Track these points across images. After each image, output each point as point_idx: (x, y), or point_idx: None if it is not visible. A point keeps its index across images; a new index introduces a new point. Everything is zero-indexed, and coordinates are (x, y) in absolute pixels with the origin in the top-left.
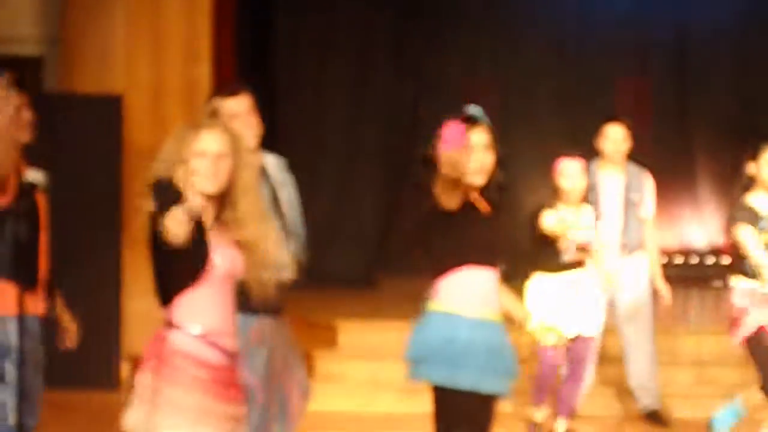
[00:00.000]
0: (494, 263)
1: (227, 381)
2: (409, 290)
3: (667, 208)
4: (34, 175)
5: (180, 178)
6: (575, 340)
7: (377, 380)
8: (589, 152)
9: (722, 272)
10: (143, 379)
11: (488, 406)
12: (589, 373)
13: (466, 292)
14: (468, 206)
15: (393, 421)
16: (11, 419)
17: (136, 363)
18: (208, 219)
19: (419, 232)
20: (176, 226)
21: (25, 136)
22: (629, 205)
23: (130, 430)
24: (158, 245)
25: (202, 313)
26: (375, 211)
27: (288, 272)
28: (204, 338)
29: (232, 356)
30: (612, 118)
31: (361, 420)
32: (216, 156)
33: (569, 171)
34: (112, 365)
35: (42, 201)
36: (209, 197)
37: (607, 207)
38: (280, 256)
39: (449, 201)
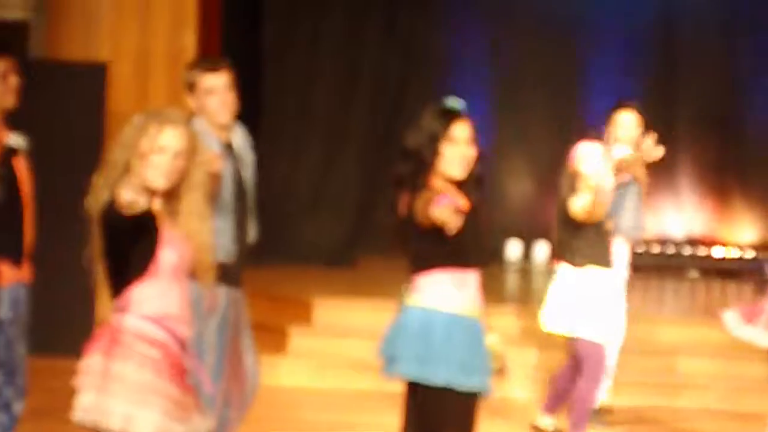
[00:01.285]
0: (475, 262)
1: (179, 366)
2: (386, 270)
3: (646, 197)
4: (15, 140)
5: (134, 166)
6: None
7: (350, 358)
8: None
9: (698, 262)
10: (92, 362)
11: (468, 405)
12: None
13: (445, 290)
14: None
15: (365, 399)
16: None
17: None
18: (157, 208)
19: (398, 230)
20: (127, 195)
21: (11, 101)
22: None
23: (80, 417)
24: (110, 236)
25: (153, 300)
26: (357, 189)
27: (225, 254)
28: (155, 320)
29: (183, 344)
30: (622, 104)
31: (332, 397)
32: (175, 153)
33: (590, 155)
34: (87, 331)
35: (23, 166)
36: (157, 191)
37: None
38: (213, 251)
39: (424, 218)
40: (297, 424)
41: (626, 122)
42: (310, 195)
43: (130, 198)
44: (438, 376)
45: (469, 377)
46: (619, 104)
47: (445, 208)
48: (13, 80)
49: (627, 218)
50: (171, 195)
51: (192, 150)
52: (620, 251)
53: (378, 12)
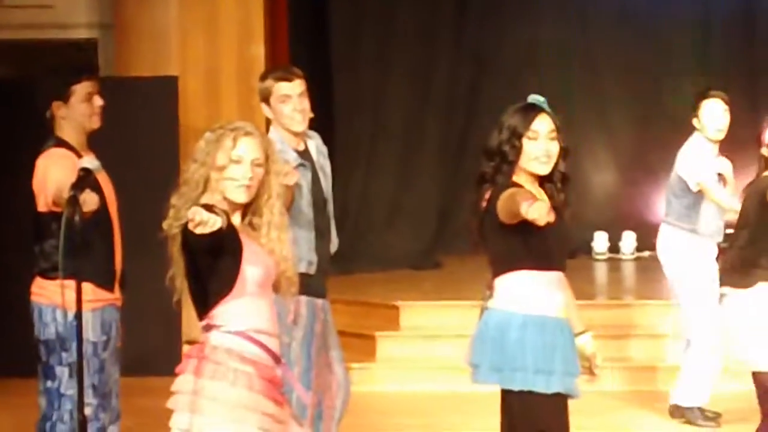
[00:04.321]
0: (558, 264)
1: (272, 380)
2: (470, 271)
3: (736, 173)
4: (88, 161)
5: (212, 182)
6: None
7: (440, 360)
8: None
9: None
10: (184, 382)
11: (553, 407)
12: None
13: (523, 291)
14: None
15: (457, 401)
16: (79, 413)
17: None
18: (237, 223)
19: (479, 229)
20: (201, 215)
21: (96, 123)
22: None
23: None
24: (192, 255)
25: (242, 316)
26: (435, 194)
27: (307, 265)
28: (245, 335)
29: (275, 357)
30: (709, 91)
31: (424, 401)
32: (252, 162)
33: None
34: (174, 350)
35: (108, 185)
36: (237, 205)
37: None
38: (294, 263)
39: (507, 217)
40: (389, 429)
41: (714, 111)
42: (389, 202)
43: (201, 217)
44: (514, 381)
45: (547, 379)
46: (706, 92)
47: (539, 206)
48: (98, 101)
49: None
50: (250, 208)
51: (268, 157)
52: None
53: (446, 20)
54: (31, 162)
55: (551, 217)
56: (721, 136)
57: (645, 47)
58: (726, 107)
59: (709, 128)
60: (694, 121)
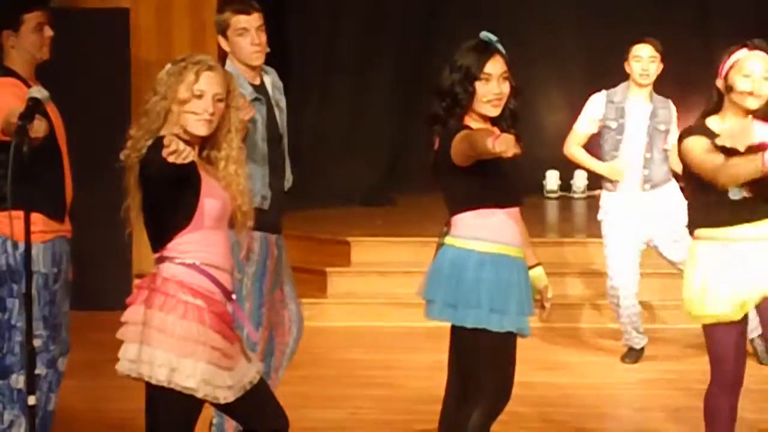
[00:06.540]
0: (514, 200)
1: (223, 315)
2: (423, 207)
3: (688, 116)
4: (37, 91)
5: (173, 114)
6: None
7: (390, 296)
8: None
9: None
10: (134, 313)
11: (503, 345)
12: None
13: (479, 228)
14: None
15: (407, 337)
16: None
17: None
18: (196, 156)
19: (433, 169)
20: (178, 144)
21: (45, 53)
22: (655, 135)
23: (125, 369)
24: (151, 186)
25: (196, 249)
26: (389, 129)
27: (260, 200)
28: (198, 269)
29: (226, 293)
30: (640, 39)
31: (374, 336)
32: (214, 98)
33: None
34: (125, 284)
35: (57, 116)
36: (196, 138)
37: (633, 136)
38: (251, 197)
39: (462, 160)
40: (340, 364)
41: (640, 55)
42: (342, 138)
43: (177, 146)
44: (467, 319)
45: (501, 318)
46: (638, 38)
47: (505, 138)
48: (48, 32)
49: None
50: (209, 141)
51: (229, 92)
52: None
53: None
54: None
55: (518, 149)
56: (645, 81)
57: None
58: (654, 54)
59: (635, 71)
60: (626, 66)
